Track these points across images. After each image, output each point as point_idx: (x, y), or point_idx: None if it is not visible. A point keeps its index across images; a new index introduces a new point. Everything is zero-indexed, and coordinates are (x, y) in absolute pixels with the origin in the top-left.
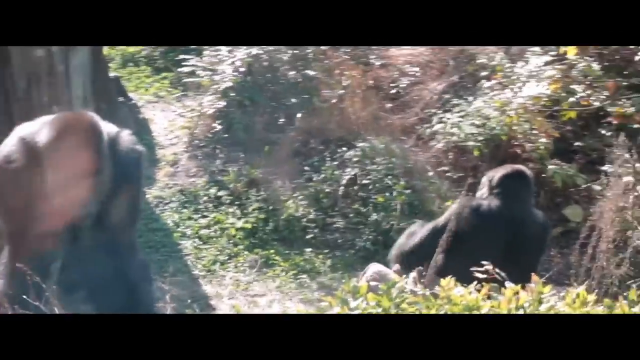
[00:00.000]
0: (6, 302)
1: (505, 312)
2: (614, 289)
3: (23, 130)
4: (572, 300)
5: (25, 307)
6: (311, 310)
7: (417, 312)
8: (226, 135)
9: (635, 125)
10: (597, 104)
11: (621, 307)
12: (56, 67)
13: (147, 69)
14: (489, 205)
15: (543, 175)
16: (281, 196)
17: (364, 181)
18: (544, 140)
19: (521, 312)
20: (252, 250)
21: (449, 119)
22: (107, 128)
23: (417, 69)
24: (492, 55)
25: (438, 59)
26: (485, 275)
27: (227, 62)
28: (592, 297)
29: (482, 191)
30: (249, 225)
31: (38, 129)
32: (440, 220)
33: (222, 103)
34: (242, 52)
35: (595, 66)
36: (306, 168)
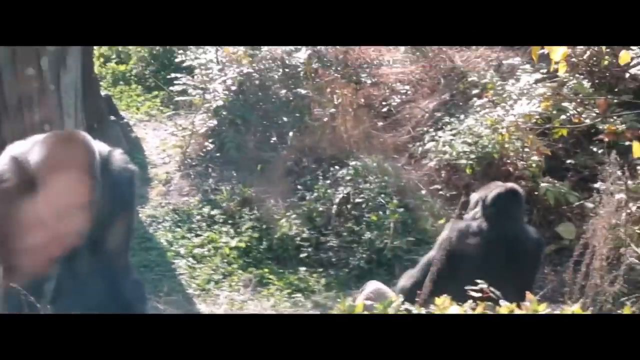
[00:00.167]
0: None
1: None
2: (608, 306)
3: (15, 149)
4: None
5: None
6: None
7: None
8: (218, 154)
9: (627, 143)
10: (588, 121)
11: None
12: (47, 86)
13: (138, 87)
14: (481, 226)
15: (535, 193)
16: (274, 215)
17: (357, 200)
18: (535, 158)
19: None
20: (246, 269)
21: (440, 137)
22: (99, 147)
23: (408, 87)
24: (483, 73)
25: (429, 77)
26: (480, 294)
27: (218, 80)
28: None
29: (474, 211)
30: (242, 244)
31: (30, 148)
32: (432, 252)
33: (214, 122)
34: (233, 71)
35: (586, 84)
36: (299, 187)
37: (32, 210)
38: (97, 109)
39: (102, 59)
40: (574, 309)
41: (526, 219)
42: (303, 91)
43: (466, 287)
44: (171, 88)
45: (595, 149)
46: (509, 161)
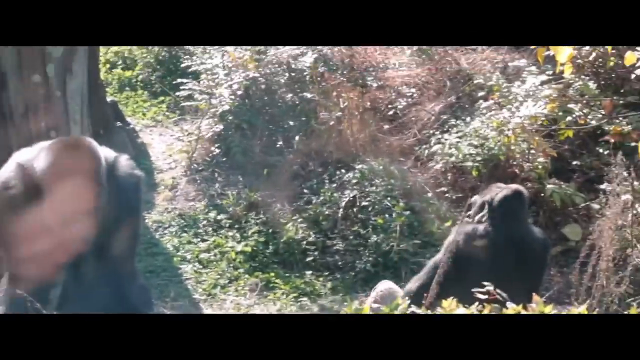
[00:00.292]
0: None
1: None
2: (614, 307)
3: (21, 156)
4: None
5: None
6: None
7: None
8: (225, 159)
9: (633, 144)
10: (594, 122)
11: None
12: (53, 92)
13: (144, 93)
14: (487, 229)
15: (541, 194)
16: (281, 219)
17: (363, 203)
18: (542, 159)
19: None
20: (253, 274)
21: (446, 139)
22: (105, 153)
23: (414, 90)
24: (488, 75)
25: (435, 80)
26: (486, 296)
27: (224, 85)
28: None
29: (480, 214)
30: (248, 249)
31: (36, 155)
32: (439, 255)
33: (220, 127)
34: (239, 76)
35: (592, 85)
36: (305, 191)
37: (38, 217)
38: (103, 115)
39: (108, 65)
40: (581, 310)
41: (531, 220)
42: (309, 95)
43: (473, 290)
44: (177, 93)
45: (601, 150)
46: (515, 163)
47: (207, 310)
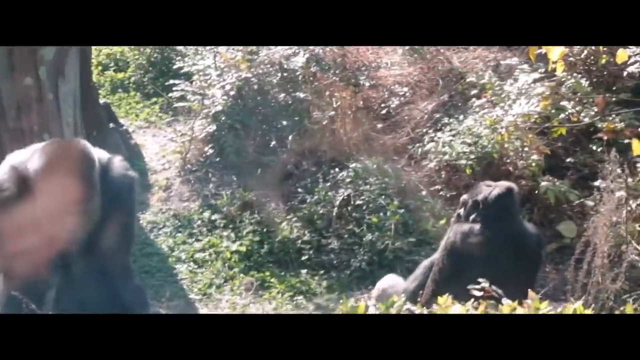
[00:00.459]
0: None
1: None
2: (610, 303)
3: (14, 158)
4: None
5: None
6: None
7: None
8: (218, 159)
9: (626, 140)
10: (587, 120)
11: None
12: (46, 95)
13: (136, 94)
14: (482, 227)
15: (536, 192)
16: (275, 218)
17: (358, 202)
18: (535, 157)
19: None
20: (248, 273)
21: (440, 138)
22: (99, 154)
23: (406, 89)
24: (481, 73)
25: (427, 79)
26: (482, 293)
27: (216, 86)
28: (588, 312)
29: (472, 213)
30: (243, 248)
31: (29, 157)
32: (435, 255)
33: (213, 127)
34: (231, 76)
35: (584, 82)
36: (299, 190)
37: (31, 218)
38: (96, 117)
39: (100, 67)
40: (576, 306)
41: (525, 217)
42: (302, 95)
43: (468, 287)
44: (170, 94)
45: (594, 148)
46: (508, 161)
47: (202, 310)
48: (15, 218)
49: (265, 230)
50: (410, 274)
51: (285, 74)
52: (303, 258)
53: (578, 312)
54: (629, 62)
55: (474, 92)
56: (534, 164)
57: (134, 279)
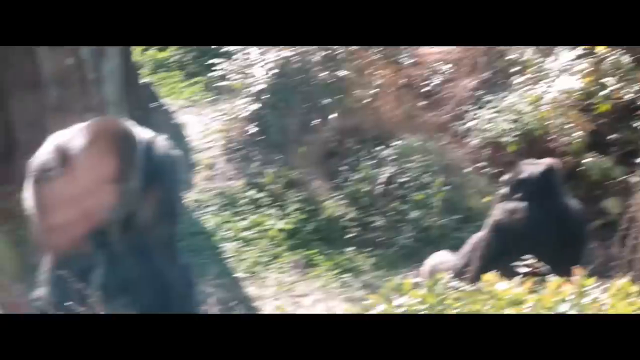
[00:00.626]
0: (50, 310)
1: (549, 305)
2: None
3: (57, 138)
4: (615, 292)
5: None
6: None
7: (462, 308)
8: (261, 138)
9: None
10: (629, 96)
11: None
12: (88, 74)
13: (179, 73)
14: (528, 204)
15: (579, 168)
16: (320, 196)
17: (402, 179)
18: (578, 133)
19: (565, 305)
20: (294, 251)
21: (482, 115)
22: (142, 134)
23: (448, 66)
24: (522, 50)
25: (469, 56)
26: (528, 270)
27: (258, 64)
28: (635, 289)
29: (515, 191)
30: (289, 226)
31: (72, 136)
32: (481, 233)
33: (256, 106)
34: (273, 54)
35: (628, 58)
36: (343, 168)
37: (74, 197)
38: (139, 97)
39: (141, 47)
40: (622, 282)
41: (569, 193)
42: (343, 73)
43: (514, 263)
44: (212, 73)
45: (636, 125)
46: (552, 137)
47: (249, 288)
48: (59, 198)
49: (310, 208)
50: (458, 251)
51: (326, 52)
52: (348, 236)
53: (625, 289)
54: None
55: (515, 69)
56: (577, 141)
57: (180, 259)
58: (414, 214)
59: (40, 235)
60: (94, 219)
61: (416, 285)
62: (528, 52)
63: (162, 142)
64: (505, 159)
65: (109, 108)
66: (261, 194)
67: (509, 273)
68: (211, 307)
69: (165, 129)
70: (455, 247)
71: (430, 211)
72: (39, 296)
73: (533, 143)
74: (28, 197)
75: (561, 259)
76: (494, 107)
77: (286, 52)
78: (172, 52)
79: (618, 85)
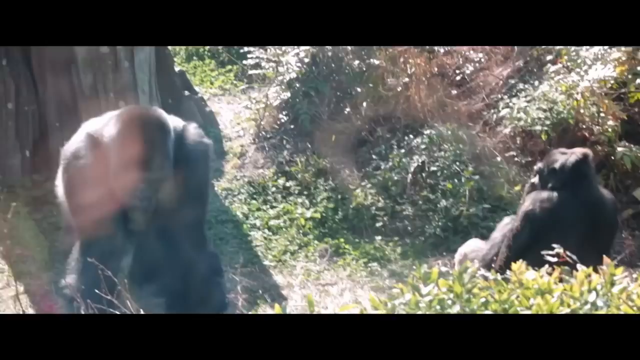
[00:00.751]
0: (79, 297)
1: (577, 294)
2: None
3: (90, 126)
4: None
5: (98, 301)
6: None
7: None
8: (292, 126)
9: None
10: None
11: None
12: (121, 63)
13: (211, 62)
14: (560, 194)
15: (612, 157)
16: (349, 185)
17: (432, 168)
18: (611, 122)
19: (594, 294)
20: (322, 240)
21: (515, 104)
22: (174, 122)
23: (481, 55)
24: None
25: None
26: (556, 259)
27: (291, 53)
28: None
29: (547, 181)
30: (318, 215)
31: (105, 124)
32: (515, 224)
33: (288, 94)
34: None
35: None
36: (374, 157)
37: (106, 184)
38: (171, 85)
39: None
40: None
41: (601, 183)
42: (376, 61)
43: (543, 252)
44: (244, 62)
45: None
46: (584, 126)
47: (277, 276)
48: (91, 185)
49: (339, 197)
50: (488, 240)
51: None
52: (377, 224)
53: None
54: None
55: (549, 57)
56: (610, 130)
57: (209, 246)
58: (444, 203)
59: (72, 222)
60: (125, 207)
61: (444, 274)
62: None
63: (193, 130)
64: (537, 148)
65: (141, 96)
66: (291, 183)
67: (538, 262)
68: (239, 295)
69: (196, 118)
70: (485, 237)
71: (459, 200)
72: (68, 283)
73: (565, 132)
74: (60, 184)
75: (591, 249)
76: (526, 96)
77: None
78: None
79: None
